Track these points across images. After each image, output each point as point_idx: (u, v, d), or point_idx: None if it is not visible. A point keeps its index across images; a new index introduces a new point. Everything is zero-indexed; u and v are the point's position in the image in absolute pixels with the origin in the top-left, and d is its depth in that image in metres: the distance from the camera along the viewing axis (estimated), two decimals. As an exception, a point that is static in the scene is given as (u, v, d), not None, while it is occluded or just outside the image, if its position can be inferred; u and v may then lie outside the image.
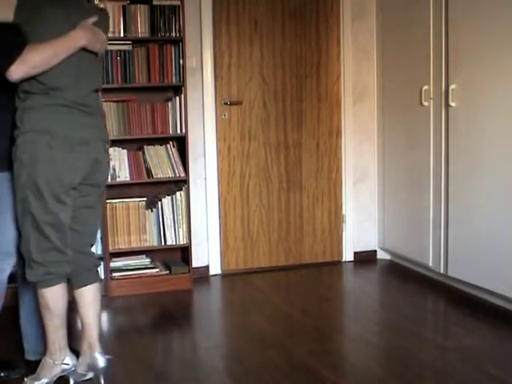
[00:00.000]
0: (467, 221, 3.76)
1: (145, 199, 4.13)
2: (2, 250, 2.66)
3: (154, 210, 4.11)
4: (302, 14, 4.55)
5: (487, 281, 3.62)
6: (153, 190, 4.23)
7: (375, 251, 4.84)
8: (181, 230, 4.14)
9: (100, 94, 2.75)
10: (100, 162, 2.63)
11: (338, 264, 4.73)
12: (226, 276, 4.47)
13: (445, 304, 3.86)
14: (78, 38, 2.44)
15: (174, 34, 4.05)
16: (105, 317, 3.80)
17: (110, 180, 4.03)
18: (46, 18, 2.40)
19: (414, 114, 4.22)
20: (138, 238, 4.11)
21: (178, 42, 4.07)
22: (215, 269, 4.52)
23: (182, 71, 4.09)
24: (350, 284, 4.49)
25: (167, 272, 4.17)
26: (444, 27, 3.85)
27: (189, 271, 4.19)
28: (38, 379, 2.69)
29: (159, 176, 4.10)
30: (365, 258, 4.77)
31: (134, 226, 4.10)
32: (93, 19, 2.52)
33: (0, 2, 2.39)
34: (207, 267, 4.48)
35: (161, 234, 4.12)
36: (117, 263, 4.12)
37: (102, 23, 2.63)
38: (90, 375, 2.75)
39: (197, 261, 4.36)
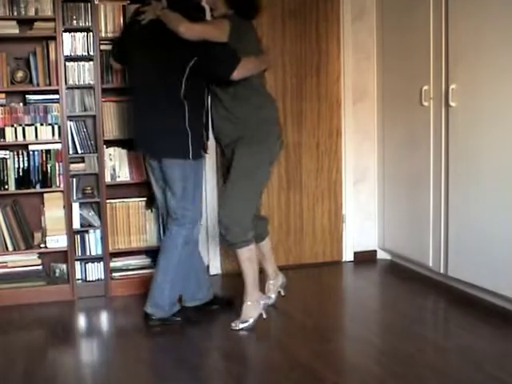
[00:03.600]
0: (467, 221, 3.75)
1: (145, 199, 4.12)
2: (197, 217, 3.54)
3: (154, 209, 4.11)
4: (301, 13, 4.54)
5: (487, 281, 3.61)
6: (153, 189, 4.23)
7: (375, 251, 4.84)
8: (181, 230, 4.13)
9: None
10: None
11: (338, 264, 4.73)
12: (225, 276, 4.46)
13: (445, 304, 3.86)
14: (267, 62, 3.49)
15: (174, 34, 4.05)
16: (104, 317, 3.81)
17: (109, 180, 4.04)
18: (249, 41, 3.37)
19: (413, 114, 4.22)
20: (138, 237, 4.11)
21: (178, 41, 4.07)
22: (215, 269, 4.52)
23: (182, 71, 4.10)
24: (350, 284, 4.49)
25: (167, 272, 4.16)
26: (444, 27, 3.85)
27: (189, 271, 4.19)
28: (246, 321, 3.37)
29: (159, 176, 4.10)
30: (365, 258, 4.77)
31: (133, 226, 4.10)
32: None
33: (219, 27, 3.24)
34: (207, 267, 4.47)
35: (161, 233, 4.11)
36: (117, 263, 4.11)
37: None
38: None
39: (197, 261, 4.35)
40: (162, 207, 3.64)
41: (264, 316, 3.43)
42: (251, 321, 3.38)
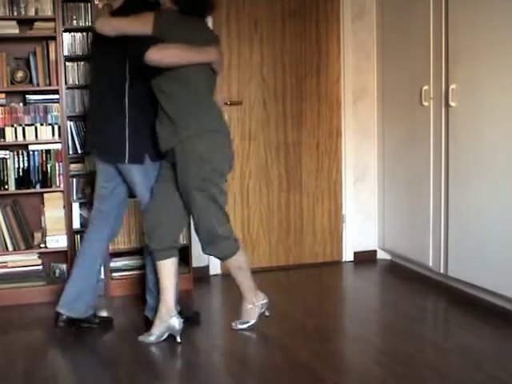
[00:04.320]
0: (467, 221, 3.75)
1: (145, 199, 4.12)
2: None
3: (154, 209, 4.10)
4: (301, 13, 4.55)
5: (487, 281, 3.61)
6: (153, 189, 4.22)
7: (375, 251, 4.84)
8: (181, 230, 4.14)
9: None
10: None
11: (338, 264, 4.73)
12: (226, 276, 4.45)
13: (445, 304, 3.86)
14: (212, 53, 3.12)
15: (173, 34, 4.04)
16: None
17: (109, 180, 4.05)
18: (188, 38, 3.04)
19: (413, 114, 4.22)
20: (138, 238, 4.11)
21: (178, 41, 4.07)
22: (215, 269, 4.52)
23: (182, 71, 4.09)
24: (350, 284, 4.49)
25: (167, 272, 4.16)
26: (444, 27, 3.85)
27: (189, 271, 4.19)
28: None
29: (159, 176, 4.09)
30: (365, 258, 4.77)
31: (133, 226, 4.10)
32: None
33: (139, 20, 3.02)
34: (207, 267, 4.47)
35: (161, 233, 4.11)
36: (117, 263, 4.11)
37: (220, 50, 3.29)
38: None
39: (197, 261, 4.35)
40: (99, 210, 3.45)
41: (267, 314, 3.43)
42: (252, 322, 3.38)
